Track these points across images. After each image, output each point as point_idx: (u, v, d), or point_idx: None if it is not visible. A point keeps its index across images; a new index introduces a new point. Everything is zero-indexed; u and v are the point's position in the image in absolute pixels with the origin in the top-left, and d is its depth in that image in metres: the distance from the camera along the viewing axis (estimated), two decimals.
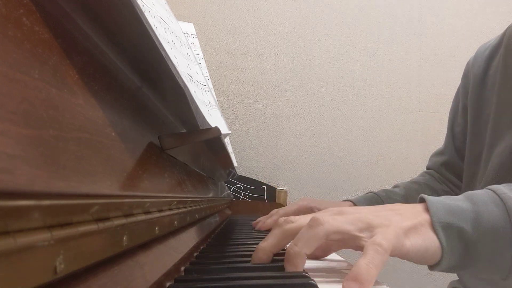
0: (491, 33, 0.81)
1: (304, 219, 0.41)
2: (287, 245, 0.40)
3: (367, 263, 0.33)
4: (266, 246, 0.41)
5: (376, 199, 0.83)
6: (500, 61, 0.73)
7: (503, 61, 0.72)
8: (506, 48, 0.73)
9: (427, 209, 0.40)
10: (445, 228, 0.39)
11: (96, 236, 0.21)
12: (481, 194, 0.42)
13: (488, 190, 0.43)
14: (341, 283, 0.38)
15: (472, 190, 0.75)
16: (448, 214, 0.39)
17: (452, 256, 0.39)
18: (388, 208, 0.42)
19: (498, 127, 0.71)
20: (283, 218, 0.43)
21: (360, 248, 0.38)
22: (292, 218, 0.42)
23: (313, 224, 0.38)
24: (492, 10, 1.77)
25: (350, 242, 0.38)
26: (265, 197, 1.53)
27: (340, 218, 0.39)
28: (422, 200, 0.43)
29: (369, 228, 0.38)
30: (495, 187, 0.43)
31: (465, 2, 1.78)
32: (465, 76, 0.86)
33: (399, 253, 0.37)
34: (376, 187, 1.67)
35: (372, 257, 0.34)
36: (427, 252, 0.38)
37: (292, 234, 0.40)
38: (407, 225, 0.38)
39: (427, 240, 0.38)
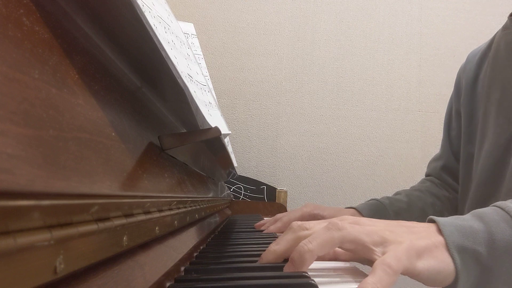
0: (491, 33, 0.82)
1: (318, 227, 0.41)
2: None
3: (375, 282, 0.33)
4: (278, 250, 0.41)
5: (379, 206, 0.82)
6: (489, 64, 0.75)
7: (492, 64, 0.74)
8: (495, 51, 0.75)
9: (440, 231, 0.40)
10: (460, 252, 0.38)
11: (96, 236, 0.21)
12: (490, 213, 0.41)
13: (496, 208, 0.42)
14: (342, 284, 0.38)
15: (467, 190, 0.77)
16: (462, 236, 0.39)
17: (468, 280, 0.38)
18: (403, 225, 0.41)
19: (485, 126, 0.73)
20: (297, 223, 0.43)
21: (369, 261, 0.38)
22: (306, 224, 0.42)
23: (331, 227, 0.38)
24: (492, 11, 1.77)
25: (362, 253, 0.38)
26: (265, 197, 1.53)
27: (357, 228, 0.39)
28: (431, 221, 0.42)
29: (383, 243, 0.37)
30: (503, 204, 0.42)
31: (465, 2, 1.78)
32: (457, 83, 0.88)
33: (410, 274, 0.37)
34: (376, 187, 1.67)
35: (380, 277, 0.33)
36: (439, 275, 0.38)
37: None
38: (421, 245, 0.38)
39: (441, 263, 0.38)
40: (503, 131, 0.68)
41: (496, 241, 0.39)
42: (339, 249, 0.47)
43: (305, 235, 0.41)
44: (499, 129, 0.69)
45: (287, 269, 0.37)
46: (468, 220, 0.41)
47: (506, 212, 0.41)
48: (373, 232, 0.38)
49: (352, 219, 0.41)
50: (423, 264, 0.37)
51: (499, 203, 0.43)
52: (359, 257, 0.40)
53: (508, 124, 0.67)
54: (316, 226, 0.42)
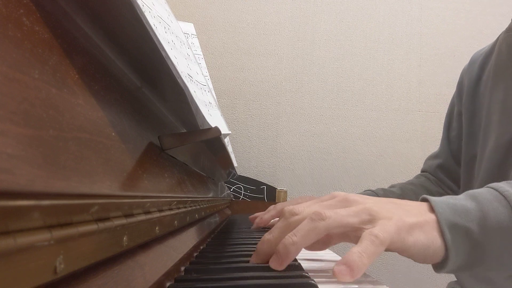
0: (491, 33, 0.82)
1: (308, 211, 0.40)
2: None
3: (360, 251, 0.33)
4: (271, 238, 0.41)
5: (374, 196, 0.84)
6: (492, 66, 0.76)
7: (494, 65, 0.75)
8: (497, 52, 0.76)
9: (432, 209, 0.40)
10: (451, 228, 0.38)
11: (96, 236, 0.21)
12: (484, 193, 0.42)
13: (490, 188, 0.43)
14: (341, 283, 0.38)
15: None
16: (454, 214, 0.39)
17: (458, 256, 0.39)
18: (394, 202, 0.41)
19: (488, 127, 0.73)
20: (288, 208, 0.42)
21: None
22: (296, 209, 0.42)
23: (315, 218, 0.38)
24: (492, 11, 1.77)
25: (352, 234, 0.38)
26: (265, 197, 1.53)
27: (342, 212, 0.38)
28: (424, 200, 0.43)
29: (372, 221, 0.37)
30: (496, 185, 0.43)
31: (465, 2, 1.78)
32: (460, 83, 0.89)
33: (399, 248, 0.37)
34: (376, 187, 1.67)
35: (366, 246, 0.34)
36: (427, 250, 0.38)
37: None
38: (412, 221, 0.38)
39: (430, 238, 0.38)
40: (506, 132, 0.68)
41: (488, 219, 0.39)
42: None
43: (295, 220, 0.40)
44: (502, 129, 0.69)
45: (272, 262, 0.37)
46: (461, 199, 0.42)
47: (500, 192, 0.41)
48: (361, 211, 0.38)
49: (341, 198, 0.41)
50: (414, 239, 0.37)
51: (493, 184, 0.43)
52: (351, 239, 0.40)
53: (511, 124, 0.68)
54: (306, 210, 0.41)
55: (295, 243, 0.37)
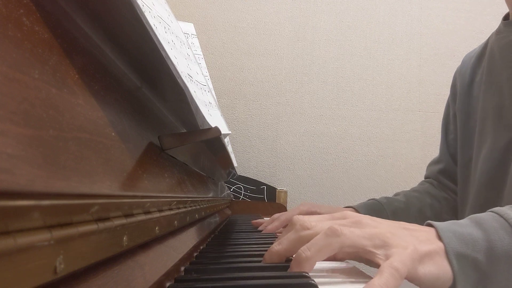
0: (491, 33, 0.82)
1: (320, 227, 0.41)
2: None
3: (382, 285, 0.33)
4: (280, 250, 0.41)
5: (377, 205, 0.83)
6: (485, 68, 0.76)
7: (487, 68, 0.75)
8: (489, 55, 0.75)
9: (439, 237, 0.40)
10: (459, 259, 0.39)
11: (96, 236, 0.21)
12: (489, 220, 0.42)
13: (495, 214, 0.42)
14: (342, 284, 0.38)
15: (466, 194, 0.77)
16: (461, 244, 0.39)
17: (465, 286, 0.39)
18: (404, 227, 0.41)
19: (483, 131, 0.73)
20: (299, 221, 0.42)
21: (371, 262, 0.38)
22: (308, 223, 0.42)
23: (330, 234, 0.38)
24: (492, 11, 1.77)
25: (363, 255, 0.38)
26: (265, 197, 1.53)
27: (357, 232, 0.39)
28: (429, 225, 0.43)
29: (385, 247, 0.38)
30: (501, 210, 0.42)
31: (465, 2, 1.78)
32: (453, 86, 0.89)
33: (411, 278, 0.37)
34: (376, 187, 1.67)
35: (387, 279, 0.34)
36: (437, 281, 0.38)
37: (308, 241, 0.40)
38: (424, 251, 0.38)
39: (440, 269, 0.38)
40: (502, 136, 0.68)
41: (495, 249, 0.39)
42: None
43: (306, 235, 0.41)
44: (497, 133, 0.69)
45: None
46: (466, 226, 0.41)
47: (505, 219, 0.41)
48: (374, 235, 0.38)
49: (354, 220, 0.41)
50: (424, 270, 0.37)
51: (497, 209, 0.43)
52: (358, 257, 0.40)
53: (506, 128, 0.68)
54: (318, 225, 0.41)
55: (309, 259, 0.37)
